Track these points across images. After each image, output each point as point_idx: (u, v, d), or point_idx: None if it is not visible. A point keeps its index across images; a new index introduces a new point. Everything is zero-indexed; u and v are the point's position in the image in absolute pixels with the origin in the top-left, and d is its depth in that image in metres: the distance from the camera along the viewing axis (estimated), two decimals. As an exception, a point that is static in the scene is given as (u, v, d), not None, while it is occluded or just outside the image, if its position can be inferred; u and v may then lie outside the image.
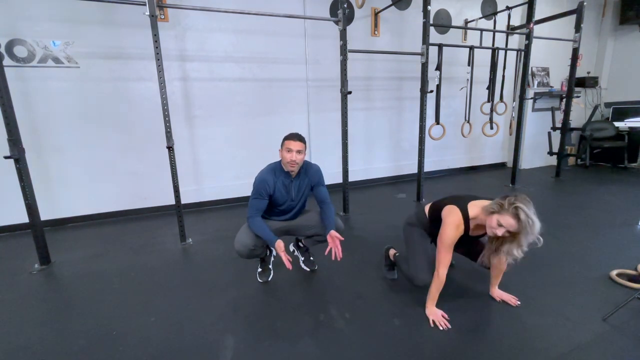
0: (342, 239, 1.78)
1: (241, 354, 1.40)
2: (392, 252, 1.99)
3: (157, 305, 1.76)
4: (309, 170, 1.94)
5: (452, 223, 1.50)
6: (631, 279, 1.85)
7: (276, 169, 1.87)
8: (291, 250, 2.31)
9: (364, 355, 1.37)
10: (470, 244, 1.73)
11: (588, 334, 1.46)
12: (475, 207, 1.53)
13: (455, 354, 1.36)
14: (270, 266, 2.10)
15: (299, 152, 1.79)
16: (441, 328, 1.51)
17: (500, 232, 1.41)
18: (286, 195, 1.88)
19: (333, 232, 1.78)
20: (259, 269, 2.05)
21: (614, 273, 1.89)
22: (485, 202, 1.52)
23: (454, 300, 1.73)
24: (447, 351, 1.38)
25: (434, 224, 1.66)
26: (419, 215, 1.77)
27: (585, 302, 1.69)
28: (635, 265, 1.97)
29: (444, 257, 1.52)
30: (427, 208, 1.74)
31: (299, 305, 1.73)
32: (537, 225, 1.38)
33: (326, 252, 1.76)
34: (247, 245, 1.82)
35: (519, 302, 1.67)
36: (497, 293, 1.72)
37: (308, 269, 2.12)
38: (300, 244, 2.22)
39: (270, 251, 2.15)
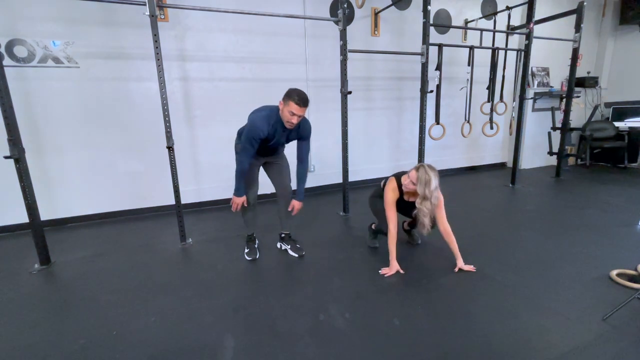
0: (296, 212, 2.22)
1: (241, 354, 1.40)
2: (373, 225, 2.48)
3: (157, 305, 1.76)
4: (302, 124, 2.05)
5: (389, 188, 2.07)
6: (631, 279, 1.85)
7: (271, 117, 1.93)
8: (278, 246, 2.44)
9: (364, 355, 1.37)
10: (410, 211, 2.23)
11: (588, 334, 1.46)
12: (405, 175, 2.03)
13: (455, 354, 1.36)
14: (256, 246, 2.37)
15: (300, 116, 1.89)
16: (383, 273, 2.00)
17: (407, 182, 1.96)
18: (276, 139, 2.03)
19: (295, 204, 2.19)
20: (246, 249, 2.32)
21: (614, 273, 1.89)
22: None
23: (454, 301, 1.74)
24: (447, 351, 1.38)
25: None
26: (378, 190, 2.32)
27: (585, 302, 1.69)
28: (635, 265, 1.97)
29: (390, 214, 2.05)
30: (382, 184, 2.25)
31: (299, 305, 1.73)
32: (433, 181, 1.87)
33: (289, 208, 2.21)
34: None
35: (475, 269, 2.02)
36: (459, 265, 2.03)
37: (296, 255, 2.30)
38: (282, 235, 2.39)
39: (255, 237, 2.44)
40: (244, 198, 2.08)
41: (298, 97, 1.81)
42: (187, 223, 2.62)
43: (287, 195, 2.28)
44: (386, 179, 2.19)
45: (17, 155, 2.04)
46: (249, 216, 2.28)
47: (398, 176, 2.09)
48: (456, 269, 2.03)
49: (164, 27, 2.97)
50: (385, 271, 2.01)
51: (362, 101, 4.04)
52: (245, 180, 2.06)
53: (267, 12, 2.62)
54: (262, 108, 2.01)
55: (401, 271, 2.01)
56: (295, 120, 1.87)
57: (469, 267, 2.03)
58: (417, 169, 1.92)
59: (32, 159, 2.28)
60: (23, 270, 2.19)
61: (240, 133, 2.20)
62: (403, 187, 2.04)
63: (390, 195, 2.06)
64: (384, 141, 4.36)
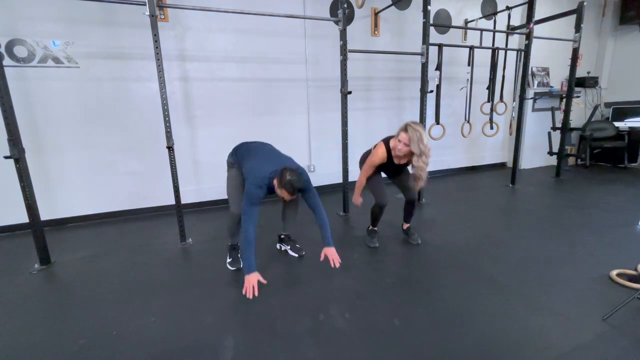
0: (337, 260, 1.95)
1: (241, 354, 1.40)
2: (369, 227, 2.52)
3: (157, 305, 1.76)
4: None
5: (376, 152, 2.13)
6: (631, 279, 1.85)
7: (263, 183, 1.82)
8: (278, 247, 2.44)
9: (364, 355, 1.37)
10: (399, 177, 2.35)
11: (588, 334, 1.46)
12: (393, 139, 2.07)
13: (455, 354, 1.36)
14: (239, 255, 2.20)
15: None
16: (357, 205, 2.31)
17: (400, 146, 1.98)
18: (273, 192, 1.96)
19: (328, 253, 1.98)
20: (229, 259, 2.20)
21: (614, 273, 1.89)
22: None
23: (454, 301, 1.74)
24: (446, 351, 1.38)
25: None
26: (367, 153, 2.35)
27: (585, 302, 1.69)
28: (635, 265, 1.97)
29: (366, 171, 2.20)
30: (372, 148, 2.30)
31: (299, 305, 1.73)
32: (424, 135, 1.92)
33: (322, 259, 1.99)
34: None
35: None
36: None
37: (297, 255, 2.30)
38: (282, 236, 2.40)
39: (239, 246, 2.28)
40: (257, 275, 1.82)
41: (292, 189, 1.76)
42: (187, 223, 2.62)
43: (296, 200, 2.22)
44: (366, 153, 2.26)
45: (17, 155, 2.04)
46: (235, 227, 2.13)
47: (387, 141, 2.12)
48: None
49: (164, 27, 2.97)
50: (357, 202, 2.30)
51: (362, 101, 4.04)
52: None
53: (267, 12, 2.62)
54: (259, 168, 1.86)
55: (360, 202, 2.32)
56: (286, 198, 1.86)
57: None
58: (404, 129, 1.96)
59: (32, 159, 2.28)
60: (23, 270, 2.19)
61: (234, 152, 2.13)
62: (395, 151, 2.06)
63: (377, 160, 2.11)
64: (384, 141, 4.35)
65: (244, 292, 1.77)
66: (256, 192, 1.79)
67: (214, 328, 1.56)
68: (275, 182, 1.81)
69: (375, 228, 2.49)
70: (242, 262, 1.82)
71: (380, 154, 2.12)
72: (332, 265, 1.93)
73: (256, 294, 1.76)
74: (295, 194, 1.81)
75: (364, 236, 2.55)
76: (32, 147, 2.51)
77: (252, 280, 1.78)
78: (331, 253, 1.97)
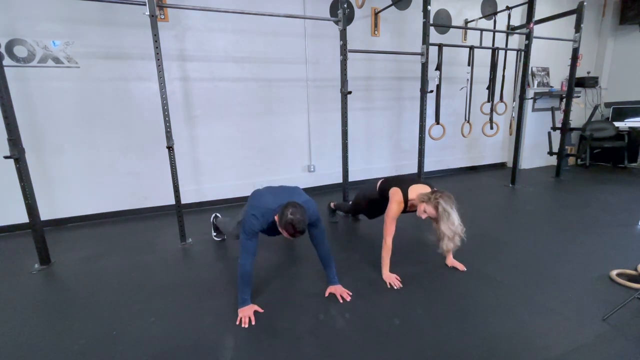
0: (345, 294, 1.78)
1: (241, 354, 1.40)
2: (332, 204, 2.87)
3: (157, 305, 1.76)
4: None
5: (396, 202, 1.90)
6: (631, 279, 1.85)
7: (260, 214, 1.66)
8: None
9: (364, 355, 1.37)
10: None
11: (588, 334, 1.46)
12: (413, 192, 1.89)
13: (455, 353, 1.36)
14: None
15: None
16: (395, 287, 1.85)
17: (423, 216, 1.81)
18: (276, 232, 1.77)
19: (334, 288, 1.82)
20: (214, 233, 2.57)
21: (614, 273, 1.89)
22: (421, 188, 1.90)
23: (454, 301, 1.74)
24: (447, 351, 1.38)
25: (380, 196, 2.11)
26: (370, 187, 2.24)
27: (585, 302, 1.69)
28: (635, 265, 1.97)
29: (390, 228, 1.91)
30: (378, 183, 2.15)
31: (299, 305, 1.73)
32: (453, 216, 1.72)
33: (326, 294, 1.81)
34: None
35: (465, 269, 2.02)
36: (450, 262, 2.08)
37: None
38: None
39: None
40: (253, 307, 1.67)
41: (292, 230, 1.54)
42: (187, 223, 2.62)
43: None
44: (386, 182, 2.06)
45: (17, 155, 2.04)
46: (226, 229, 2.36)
47: (404, 190, 1.91)
48: (449, 265, 2.09)
49: (164, 27, 2.97)
50: (395, 284, 1.88)
51: (362, 101, 4.04)
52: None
53: (267, 12, 2.62)
54: (260, 198, 1.74)
55: (399, 282, 1.89)
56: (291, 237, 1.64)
57: (460, 265, 2.05)
58: (435, 206, 1.72)
59: (32, 159, 2.29)
60: (23, 270, 2.19)
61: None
62: (418, 213, 1.85)
63: (396, 208, 1.89)
64: (384, 141, 4.36)
65: (237, 322, 1.59)
66: (250, 221, 1.62)
67: (214, 328, 1.56)
68: (277, 219, 1.61)
69: (340, 213, 2.83)
70: (238, 296, 1.67)
71: (398, 202, 1.90)
72: (341, 301, 1.76)
73: (253, 323, 1.59)
74: (296, 236, 1.57)
75: (364, 236, 2.55)
76: (32, 147, 2.51)
77: (248, 312, 1.63)
78: (338, 290, 1.80)
